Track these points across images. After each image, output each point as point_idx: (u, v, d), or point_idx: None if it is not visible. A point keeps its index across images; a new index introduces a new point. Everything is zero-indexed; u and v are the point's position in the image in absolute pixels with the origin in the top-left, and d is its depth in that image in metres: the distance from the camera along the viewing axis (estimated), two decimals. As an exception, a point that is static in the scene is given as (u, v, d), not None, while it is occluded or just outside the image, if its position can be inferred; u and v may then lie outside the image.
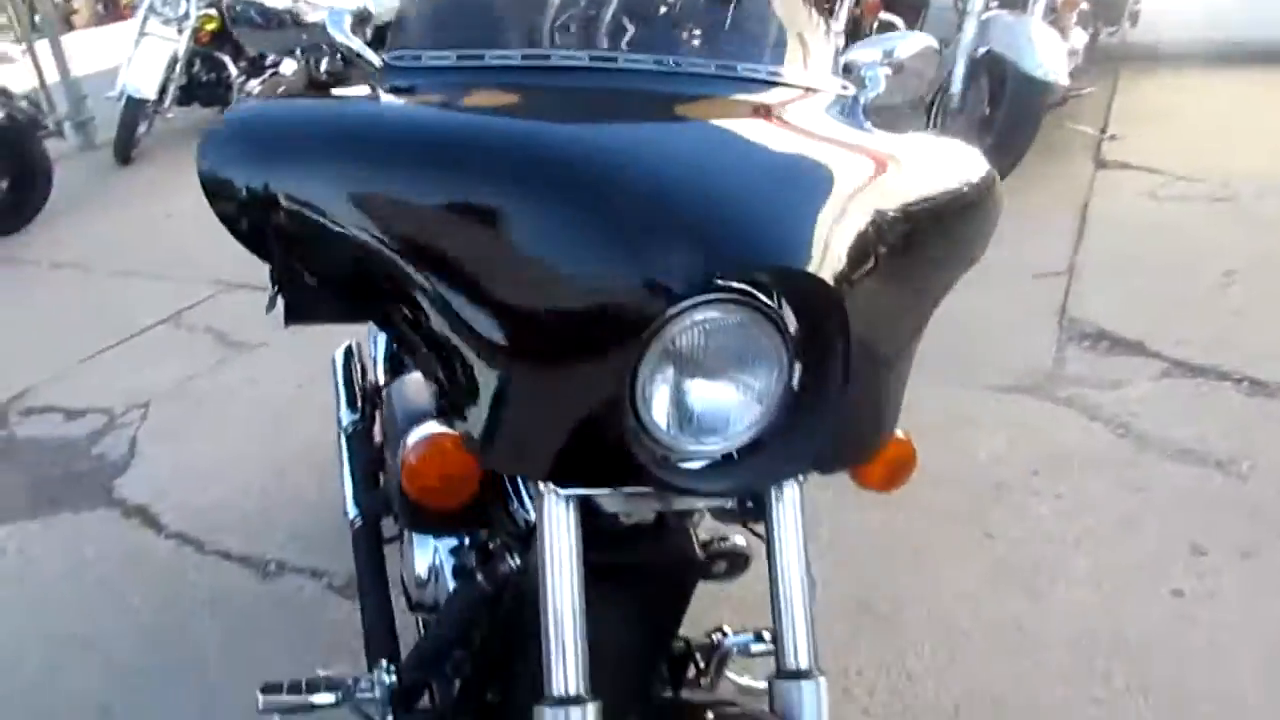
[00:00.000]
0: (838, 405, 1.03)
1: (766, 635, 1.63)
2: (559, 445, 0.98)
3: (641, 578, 1.29)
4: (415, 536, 1.57)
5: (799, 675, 1.10)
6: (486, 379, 0.97)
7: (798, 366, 1.04)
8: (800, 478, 1.14)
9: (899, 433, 1.23)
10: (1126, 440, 2.66)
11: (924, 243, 1.12)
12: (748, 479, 1.07)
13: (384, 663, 1.42)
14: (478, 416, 0.99)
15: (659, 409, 0.99)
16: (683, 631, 1.44)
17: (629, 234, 0.92)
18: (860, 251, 1.00)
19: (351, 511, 1.83)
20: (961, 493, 2.49)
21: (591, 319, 0.92)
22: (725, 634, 1.60)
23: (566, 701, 1.04)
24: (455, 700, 1.40)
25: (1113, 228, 4.02)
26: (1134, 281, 3.52)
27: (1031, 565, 2.23)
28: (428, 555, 1.53)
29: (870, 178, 1.11)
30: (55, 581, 2.45)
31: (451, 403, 1.04)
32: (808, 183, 1.03)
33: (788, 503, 1.15)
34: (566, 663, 1.05)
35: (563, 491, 1.05)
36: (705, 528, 1.38)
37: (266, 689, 1.41)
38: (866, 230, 1.01)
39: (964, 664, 1.99)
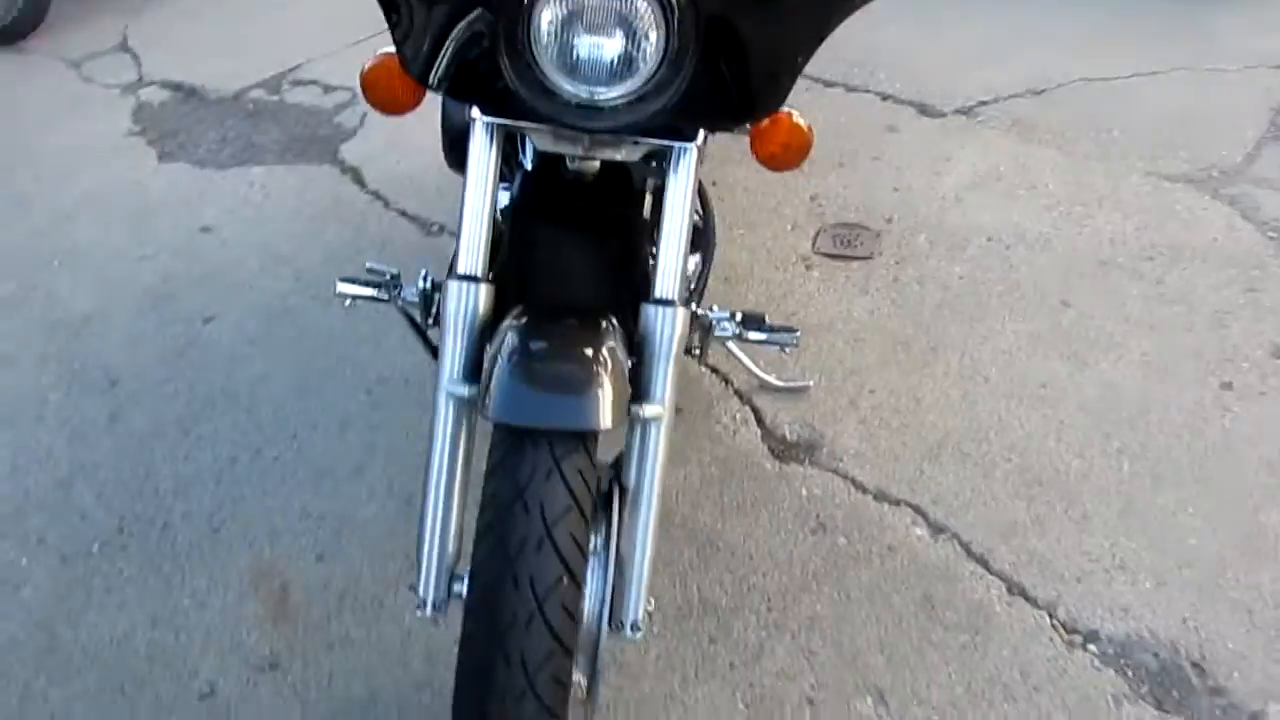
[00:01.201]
0: (706, 74, 1.20)
1: (738, 315, 1.87)
2: (466, 70, 1.23)
3: (595, 222, 1.54)
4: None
5: (662, 303, 1.34)
6: (407, 6, 1.22)
7: (675, 34, 1.20)
8: (699, 142, 1.33)
9: (800, 121, 1.37)
10: (1271, 244, 2.48)
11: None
12: (625, 120, 1.25)
13: (424, 271, 1.79)
14: (405, 38, 1.25)
15: (549, 54, 1.21)
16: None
17: None
18: None
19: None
20: (1062, 262, 2.49)
21: None
22: (710, 310, 1.85)
23: (467, 279, 1.35)
24: None
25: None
26: (1388, 83, 3.06)
27: (1090, 338, 2.25)
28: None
29: None
30: (280, 213, 3.06)
31: (391, 27, 1.30)
32: None
33: (683, 165, 1.35)
34: (473, 249, 1.35)
35: (485, 119, 1.31)
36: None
37: (344, 279, 1.82)
38: None
39: (972, 406, 2.11)
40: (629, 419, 1.34)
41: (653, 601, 1.37)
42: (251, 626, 1.83)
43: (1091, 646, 1.63)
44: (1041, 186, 2.79)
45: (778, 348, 1.97)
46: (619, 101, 1.26)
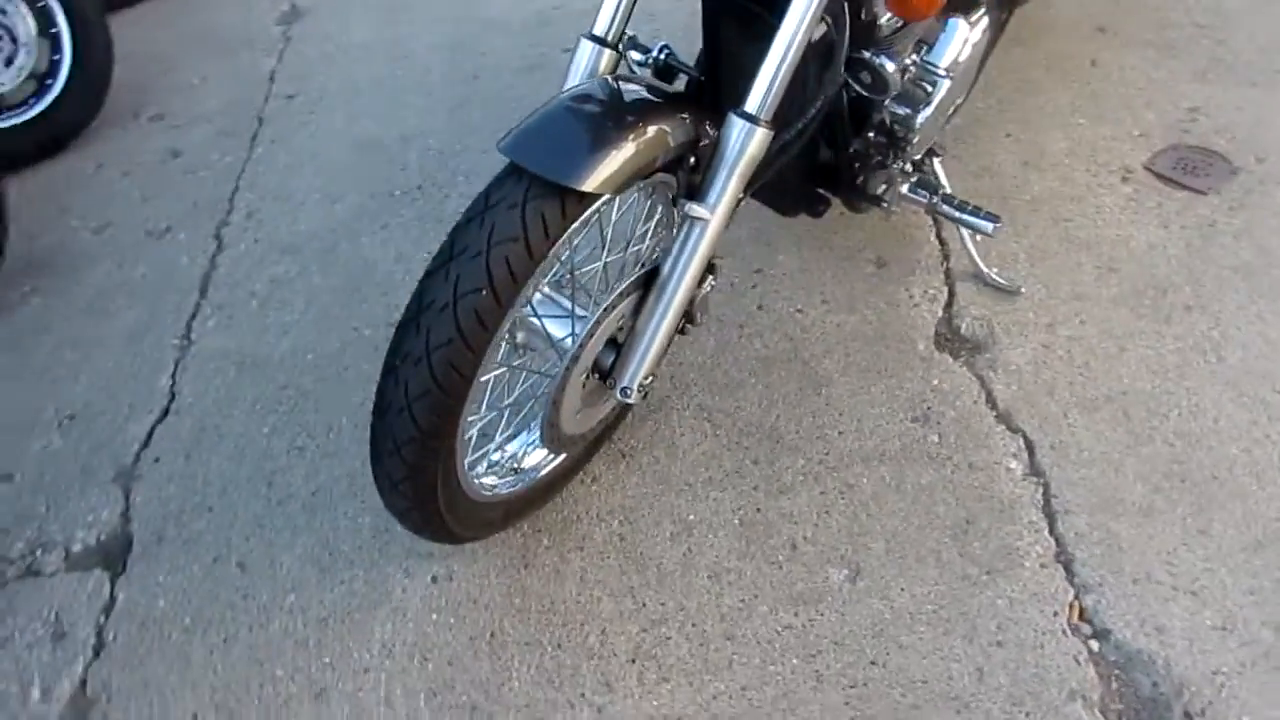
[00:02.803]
0: None
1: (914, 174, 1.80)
2: None
3: (761, 30, 1.56)
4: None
5: (744, 116, 1.37)
6: None
7: None
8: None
9: None
10: None
11: None
12: None
13: (661, 43, 1.90)
14: None
15: None
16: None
17: None
18: None
19: None
20: None
21: None
22: (900, 164, 1.81)
23: (595, 40, 1.49)
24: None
25: None
26: None
27: None
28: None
29: None
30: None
31: None
32: None
33: None
34: (608, 14, 1.48)
35: None
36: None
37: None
38: None
39: (1178, 379, 1.85)
40: (680, 214, 1.43)
41: (651, 378, 1.51)
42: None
43: (1093, 642, 1.48)
44: None
45: (974, 233, 1.89)
46: None
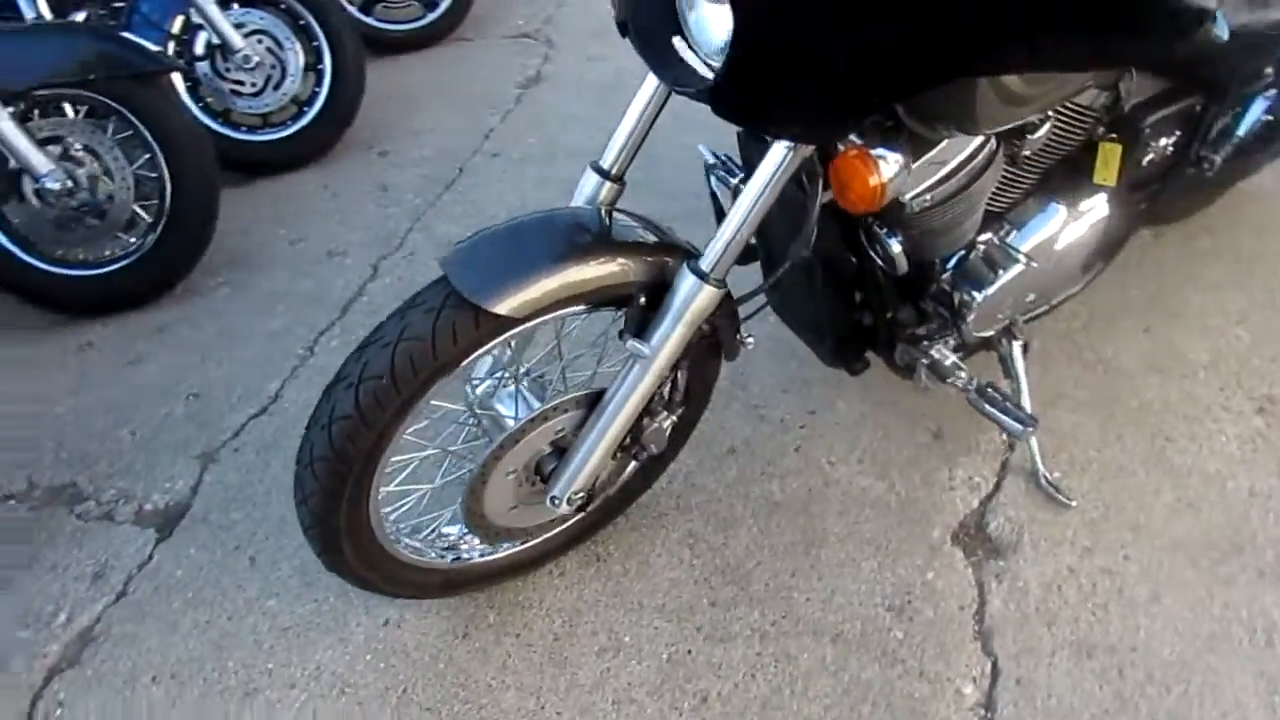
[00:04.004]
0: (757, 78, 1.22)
1: (947, 355, 1.72)
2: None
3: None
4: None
5: (699, 274, 1.40)
6: None
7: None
8: (787, 142, 1.32)
9: (881, 174, 1.25)
10: None
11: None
12: (697, 87, 1.32)
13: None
14: None
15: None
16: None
17: None
18: None
19: None
20: None
21: None
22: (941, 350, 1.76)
23: (598, 170, 1.57)
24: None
25: None
26: None
27: None
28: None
29: None
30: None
31: None
32: None
33: (771, 157, 1.34)
34: (614, 149, 1.56)
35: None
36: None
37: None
38: None
39: (1205, 649, 1.61)
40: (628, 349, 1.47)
41: (581, 493, 1.55)
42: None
43: None
44: None
45: (1008, 434, 1.78)
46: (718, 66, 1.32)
